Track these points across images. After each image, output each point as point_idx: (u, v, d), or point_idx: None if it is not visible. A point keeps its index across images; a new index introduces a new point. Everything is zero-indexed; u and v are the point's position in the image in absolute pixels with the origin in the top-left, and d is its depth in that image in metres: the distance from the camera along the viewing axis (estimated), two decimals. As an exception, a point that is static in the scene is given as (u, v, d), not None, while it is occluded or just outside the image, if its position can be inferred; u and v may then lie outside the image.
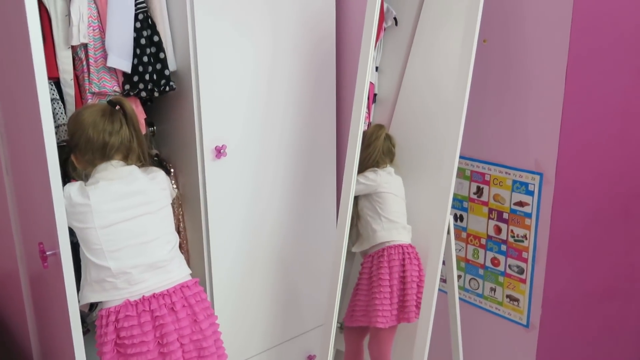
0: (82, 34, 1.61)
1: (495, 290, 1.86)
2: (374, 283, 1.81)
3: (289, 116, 2.02)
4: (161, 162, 1.89)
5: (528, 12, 1.62)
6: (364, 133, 1.83)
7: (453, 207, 1.91)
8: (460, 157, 1.81)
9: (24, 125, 1.58)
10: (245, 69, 1.86)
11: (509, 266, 1.80)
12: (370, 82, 1.88)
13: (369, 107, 1.93)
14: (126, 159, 1.55)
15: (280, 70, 1.96)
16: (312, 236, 2.18)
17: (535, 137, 1.67)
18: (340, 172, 2.17)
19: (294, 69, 2.00)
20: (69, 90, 1.64)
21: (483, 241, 1.86)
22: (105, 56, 1.64)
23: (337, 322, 1.85)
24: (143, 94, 1.70)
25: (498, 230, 1.81)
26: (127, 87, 1.69)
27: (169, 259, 1.53)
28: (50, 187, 1.37)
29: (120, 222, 1.48)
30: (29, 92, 1.40)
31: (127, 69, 1.67)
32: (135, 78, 1.68)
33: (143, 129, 1.71)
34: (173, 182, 1.85)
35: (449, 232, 1.63)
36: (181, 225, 1.89)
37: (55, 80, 1.64)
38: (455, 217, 1.92)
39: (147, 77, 1.68)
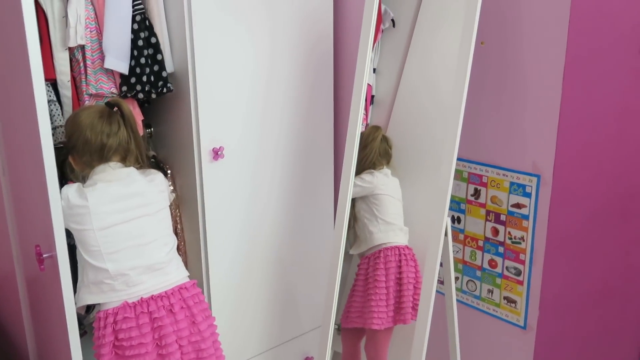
0: (79, 35, 1.60)
1: (492, 292, 1.86)
2: (369, 284, 1.81)
3: (287, 118, 2.02)
4: (158, 164, 1.89)
5: (525, 14, 1.63)
6: (361, 134, 1.83)
7: (450, 208, 1.91)
8: (458, 159, 1.81)
9: (21, 126, 1.57)
10: (243, 71, 1.86)
11: (507, 268, 1.80)
12: (368, 84, 1.88)
13: (366, 109, 1.93)
14: (124, 161, 1.55)
15: (278, 72, 1.96)
16: (309, 238, 2.18)
17: (532, 139, 1.67)
18: (338, 174, 2.18)
19: (292, 70, 2.00)
20: (66, 92, 1.64)
21: (480, 243, 1.86)
22: (102, 58, 1.64)
23: (335, 324, 1.85)
24: (140, 95, 1.70)
25: (495, 232, 1.81)
26: (124, 88, 1.68)
27: (166, 261, 1.52)
28: (47, 189, 1.37)
29: (119, 224, 1.48)
30: (25, 94, 1.40)
31: (125, 70, 1.66)
32: (133, 80, 1.68)
33: (140, 131, 1.71)
34: (170, 183, 1.85)
35: (446, 234, 1.63)
36: (179, 227, 1.89)
37: (52, 82, 1.63)
38: (453, 219, 1.92)
39: (144, 78, 1.68)
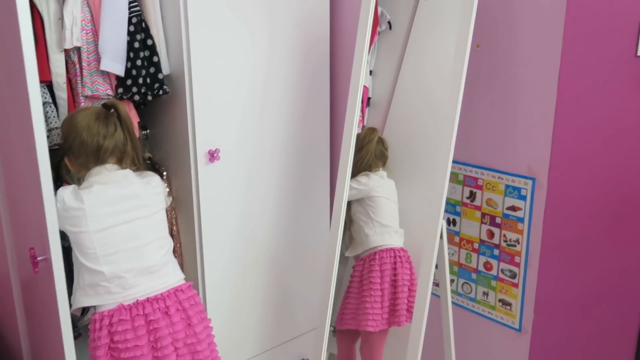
0: (75, 37, 1.60)
1: (487, 295, 1.87)
2: (364, 286, 1.81)
3: (283, 120, 2.02)
4: (154, 166, 1.89)
5: (521, 17, 1.63)
6: (357, 136, 1.84)
7: (446, 211, 1.91)
8: (453, 161, 1.82)
9: (16, 128, 1.57)
10: (239, 73, 1.86)
11: (502, 270, 1.81)
12: (364, 86, 1.88)
13: (362, 111, 1.93)
14: (120, 163, 1.55)
15: (274, 74, 1.96)
16: (305, 240, 2.18)
17: (527, 142, 1.67)
18: (334, 176, 2.18)
19: (288, 72, 2.00)
20: (62, 93, 1.64)
21: (476, 245, 1.87)
22: (98, 59, 1.63)
23: (330, 326, 1.85)
24: (136, 97, 1.69)
25: (491, 234, 1.82)
26: (120, 90, 1.68)
27: (162, 264, 1.52)
28: (41, 192, 1.37)
29: (114, 226, 1.48)
30: (20, 96, 1.39)
31: (121, 72, 1.66)
32: (129, 81, 1.67)
33: (136, 132, 1.70)
34: (166, 185, 1.85)
35: (441, 237, 1.64)
36: (174, 228, 1.89)
37: (47, 84, 1.63)
38: (448, 222, 1.93)
39: (140, 80, 1.67)
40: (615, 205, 1.81)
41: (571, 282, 1.80)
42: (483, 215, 1.83)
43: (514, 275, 1.78)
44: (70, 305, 1.49)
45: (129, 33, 1.66)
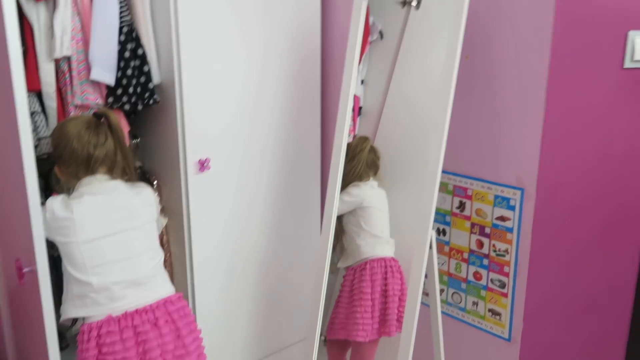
0: (65, 46, 1.60)
1: (477, 304, 1.87)
2: (355, 296, 1.81)
3: (274, 129, 2.02)
4: (144, 174, 1.88)
5: (510, 29, 1.65)
6: (349, 145, 1.84)
7: (436, 221, 1.92)
8: (443, 171, 1.83)
9: (2, 138, 1.56)
10: (230, 82, 1.86)
11: (491, 280, 1.81)
12: (356, 95, 1.89)
13: (354, 120, 1.94)
14: (111, 172, 1.53)
15: (265, 84, 1.96)
16: (296, 249, 2.18)
17: (516, 152, 1.69)
18: (325, 185, 2.18)
19: (279, 82, 2.00)
20: (51, 103, 1.63)
21: (465, 255, 1.87)
22: (88, 69, 1.63)
23: (321, 335, 1.85)
24: (127, 107, 1.69)
25: (480, 244, 1.82)
26: (110, 100, 1.68)
27: (152, 275, 1.51)
28: (28, 203, 1.36)
29: (104, 237, 1.47)
30: (7, 105, 1.38)
31: (111, 81, 1.66)
32: (119, 91, 1.67)
33: (126, 141, 1.70)
34: (157, 194, 1.84)
35: (431, 247, 1.64)
36: (164, 238, 1.88)
37: (37, 93, 1.62)
38: (438, 231, 1.93)
39: (131, 90, 1.67)
40: (604, 215, 1.82)
41: (560, 291, 1.81)
42: (472, 225, 1.83)
43: (503, 285, 1.78)
44: (60, 316, 1.48)
45: (120, 42, 1.66)
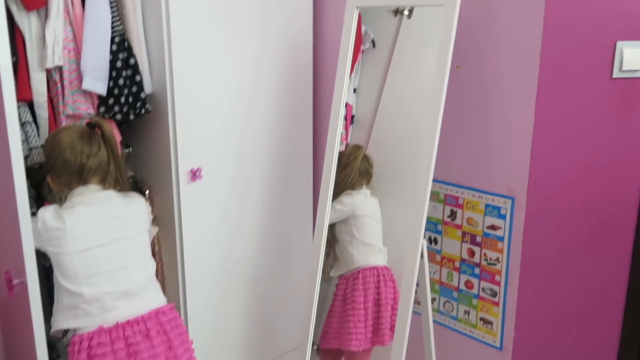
0: (56, 56, 1.60)
1: (469, 313, 1.87)
2: (347, 305, 1.81)
3: (266, 139, 2.02)
4: (136, 184, 1.88)
5: (501, 38, 1.66)
6: (341, 153, 1.84)
7: (427, 229, 1.93)
8: (434, 180, 1.83)
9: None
10: (222, 92, 1.86)
11: (483, 289, 1.82)
12: (348, 104, 1.90)
13: (346, 129, 1.94)
14: (103, 182, 1.53)
15: (257, 93, 1.97)
16: (288, 258, 2.18)
17: (507, 162, 1.70)
18: (317, 194, 2.18)
19: (271, 90, 2.01)
20: (43, 112, 1.62)
21: (457, 264, 1.88)
22: (80, 78, 1.63)
23: (315, 344, 1.85)
24: (118, 116, 1.69)
25: (471, 253, 1.83)
26: (102, 109, 1.68)
27: (144, 286, 1.51)
28: (17, 215, 1.35)
29: (96, 247, 1.46)
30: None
31: (103, 91, 1.66)
32: (111, 101, 1.67)
33: (119, 151, 1.70)
34: (148, 203, 1.84)
35: (422, 256, 1.64)
36: (156, 248, 1.88)
37: (28, 103, 1.62)
38: (430, 240, 1.94)
39: (122, 99, 1.67)
40: (593, 223, 1.83)
41: (551, 300, 1.82)
42: (464, 234, 1.84)
43: (494, 294, 1.79)
44: (50, 327, 1.47)
45: (112, 52, 1.66)
